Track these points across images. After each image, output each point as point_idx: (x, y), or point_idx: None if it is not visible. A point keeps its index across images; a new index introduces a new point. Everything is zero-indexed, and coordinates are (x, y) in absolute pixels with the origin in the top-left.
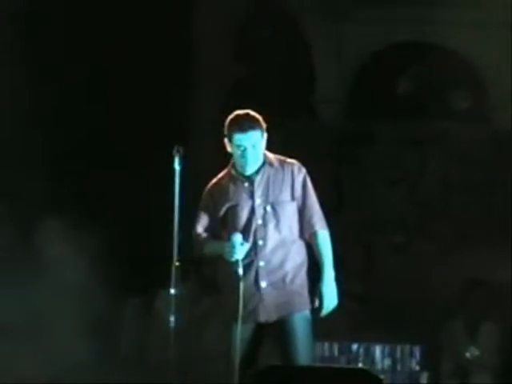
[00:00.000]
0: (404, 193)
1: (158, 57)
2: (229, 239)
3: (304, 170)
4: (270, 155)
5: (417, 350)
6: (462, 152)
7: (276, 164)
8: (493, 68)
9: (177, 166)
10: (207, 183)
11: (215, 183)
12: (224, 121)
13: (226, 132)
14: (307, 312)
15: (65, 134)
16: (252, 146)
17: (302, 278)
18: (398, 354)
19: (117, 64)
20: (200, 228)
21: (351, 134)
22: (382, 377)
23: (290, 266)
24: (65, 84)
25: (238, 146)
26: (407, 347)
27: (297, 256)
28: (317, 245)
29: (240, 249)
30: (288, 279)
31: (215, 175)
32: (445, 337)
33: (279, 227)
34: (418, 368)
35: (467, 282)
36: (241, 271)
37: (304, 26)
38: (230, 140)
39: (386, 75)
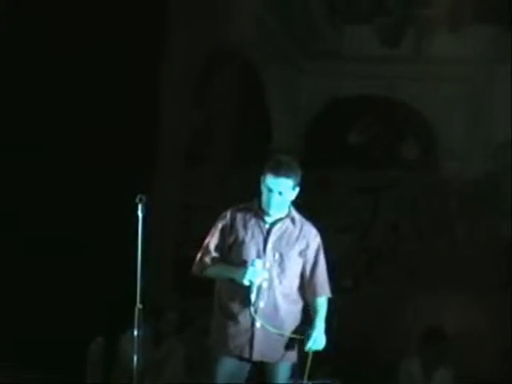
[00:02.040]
0: (355, 238)
1: (122, 105)
2: (246, 264)
3: (319, 239)
4: (295, 212)
5: None
6: (411, 199)
7: (297, 222)
8: (440, 119)
9: (140, 214)
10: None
11: (239, 210)
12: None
13: (263, 169)
14: (293, 363)
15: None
16: (279, 193)
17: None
18: None
19: (81, 114)
20: (212, 244)
21: (305, 182)
22: None
23: (285, 316)
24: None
25: (267, 188)
26: None
27: (293, 309)
28: (316, 306)
29: (261, 273)
30: (282, 328)
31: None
32: (402, 378)
33: (281, 277)
34: None
35: (423, 329)
36: (253, 297)
37: (260, 79)
38: (264, 177)
39: (338, 126)
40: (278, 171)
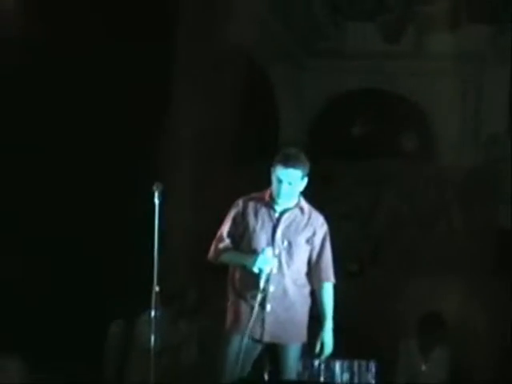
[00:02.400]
0: (358, 226)
1: (138, 98)
2: (256, 251)
3: (326, 227)
4: (304, 202)
5: (372, 365)
6: (410, 189)
7: (306, 211)
8: (438, 112)
9: (156, 200)
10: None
11: (251, 199)
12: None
13: (273, 161)
14: (301, 344)
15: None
16: (288, 183)
17: (304, 315)
18: (356, 369)
19: (98, 104)
20: (225, 231)
21: (311, 173)
22: None
23: (294, 299)
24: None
25: (277, 178)
26: (364, 363)
27: (302, 293)
28: (321, 295)
29: (270, 261)
30: (291, 311)
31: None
32: (401, 354)
33: (290, 263)
34: (373, 381)
35: (422, 313)
36: (262, 283)
37: (266, 77)
38: (274, 171)
39: (341, 120)
40: (287, 162)
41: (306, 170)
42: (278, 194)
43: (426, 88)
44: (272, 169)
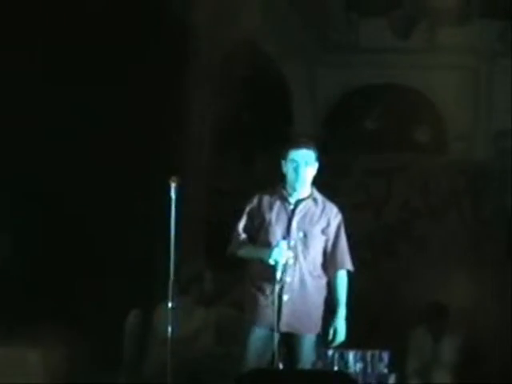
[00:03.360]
0: (371, 216)
1: (154, 97)
2: (272, 244)
3: (340, 216)
4: (317, 193)
5: (385, 355)
6: (422, 180)
7: (319, 201)
8: (450, 105)
9: (173, 195)
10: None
11: (265, 194)
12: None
13: (283, 153)
14: (317, 334)
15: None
16: (305, 163)
17: (320, 306)
18: (369, 359)
19: (114, 103)
20: (241, 226)
21: (324, 164)
22: None
23: (311, 289)
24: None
25: (292, 161)
26: (376, 352)
27: (318, 284)
28: (336, 282)
29: (285, 253)
30: (308, 301)
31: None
32: (411, 342)
33: (306, 254)
34: (386, 371)
35: (428, 305)
36: (279, 275)
37: (282, 70)
38: (285, 158)
39: (354, 112)
40: (299, 144)
41: (317, 153)
42: (297, 178)
43: (437, 82)
44: (283, 161)
